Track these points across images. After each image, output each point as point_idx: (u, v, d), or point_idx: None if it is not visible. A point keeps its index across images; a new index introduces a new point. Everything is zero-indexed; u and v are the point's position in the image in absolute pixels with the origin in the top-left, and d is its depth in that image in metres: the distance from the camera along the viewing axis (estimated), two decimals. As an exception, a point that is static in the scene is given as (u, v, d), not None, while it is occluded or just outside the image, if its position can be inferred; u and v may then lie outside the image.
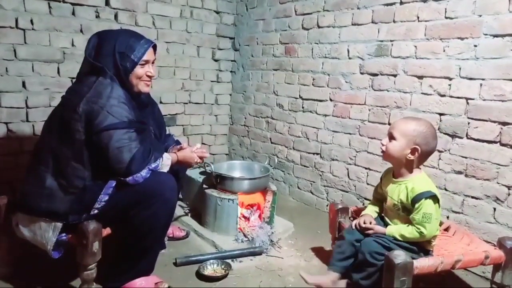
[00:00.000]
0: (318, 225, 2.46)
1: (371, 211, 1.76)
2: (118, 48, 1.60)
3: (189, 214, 2.51)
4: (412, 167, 1.59)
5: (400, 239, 1.54)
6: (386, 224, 1.68)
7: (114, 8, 2.75)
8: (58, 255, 1.58)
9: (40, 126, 1.79)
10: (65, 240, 1.57)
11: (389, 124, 2.30)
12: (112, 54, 1.59)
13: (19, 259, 1.81)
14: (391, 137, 1.61)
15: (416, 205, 1.52)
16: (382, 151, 1.65)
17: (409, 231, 1.53)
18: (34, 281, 1.74)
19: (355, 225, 1.69)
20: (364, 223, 1.65)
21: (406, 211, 1.58)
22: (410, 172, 1.60)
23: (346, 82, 2.57)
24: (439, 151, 2.07)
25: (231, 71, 3.55)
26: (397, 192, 1.61)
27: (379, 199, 1.79)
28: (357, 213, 1.91)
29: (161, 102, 3.09)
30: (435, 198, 1.51)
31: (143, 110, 1.77)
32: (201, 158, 1.91)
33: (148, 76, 1.70)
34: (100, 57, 1.59)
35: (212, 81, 3.44)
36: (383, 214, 1.74)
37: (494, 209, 1.89)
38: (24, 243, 1.63)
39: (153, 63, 1.73)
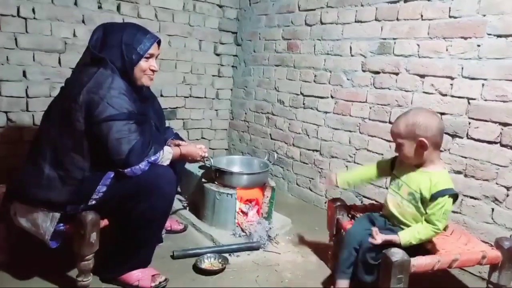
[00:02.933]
0: (316, 222, 2.46)
1: (348, 177, 1.78)
2: (125, 40, 1.60)
3: (187, 208, 2.51)
4: (433, 156, 1.54)
5: (416, 242, 1.48)
6: (388, 219, 1.64)
7: (116, -1, 2.74)
8: (55, 245, 1.58)
9: (40, 116, 1.78)
10: (63, 230, 1.57)
11: (390, 122, 2.30)
12: (118, 45, 1.59)
13: (17, 248, 1.81)
14: (398, 145, 1.57)
15: (440, 200, 1.46)
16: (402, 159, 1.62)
17: (425, 233, 1.47)
18: (31, 270, 1.74)
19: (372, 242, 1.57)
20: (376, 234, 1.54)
21: (421, 202, 1.52)
22: (432, 163, 1.54)
23: (347, 79, 2.56)
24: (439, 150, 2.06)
25: (232, 66, 3.54)
26: (417, 181, 1.54)
27: (375, 173, 1.76)
28: (355, 209, 1.90)
29: (161, 95, 3.08)
30: (456, 198, 1.49)
31: (144, 102, 1.77)
32: (202, 157, 1.95)
33: (151, 70, 1.71)
34: (106, 48, 1.59)
35: (213, 76, 3.43)
36: (385, 209, 1.68)
37: (493, 209, 1.89)
38: (21, 232, 1.63)
39: (156, 58, 1.73)
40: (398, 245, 1.48)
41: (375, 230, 1.54)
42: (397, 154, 1.69)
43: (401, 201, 1.59)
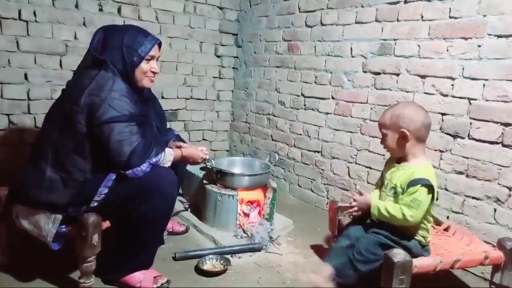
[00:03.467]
0: (318, 223, 2.46)
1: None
2: (126, 42, 1.61)
3: (189, 209, 2.51)
4: (415, 150, 1.56)
5: (383, 213, 1.52)
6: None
7: (117, 2, 2.75)
8: (58, 247, 1.58)
9: (41, 118, 1.80)
10: (64, 232, 1.57)
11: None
12: (119, 48, 1.60)
13: (18, 250, 1.81)
14: (383, 136, 1.61)
15: (410, 189, 1.49)
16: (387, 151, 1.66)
17: (393, 210, 1.50)
18: (32, 271, 1.74)
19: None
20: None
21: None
22: (415, 156, 1.56)
23: (348, 80, 2.57)
24: (441, 151, 2.07)
25: (233, 68, 3.54)
26: (397, 176, 1.57)
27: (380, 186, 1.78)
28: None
29: (162, 97, 3.09)
30: (430, 188, 1.48)
31: (145, 104, 1.78)
32: (204, 159, 1.96)
33: (152, 72, 1.71)
34: (107, 50, 1.59)
35: (214, 77, 3.44)
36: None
37: (495, 210, 1.89)
38: (23, 234, 1.63)
39: (157, 59, 1.74)
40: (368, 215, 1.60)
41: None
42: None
43: (385, 198, 1.62)
